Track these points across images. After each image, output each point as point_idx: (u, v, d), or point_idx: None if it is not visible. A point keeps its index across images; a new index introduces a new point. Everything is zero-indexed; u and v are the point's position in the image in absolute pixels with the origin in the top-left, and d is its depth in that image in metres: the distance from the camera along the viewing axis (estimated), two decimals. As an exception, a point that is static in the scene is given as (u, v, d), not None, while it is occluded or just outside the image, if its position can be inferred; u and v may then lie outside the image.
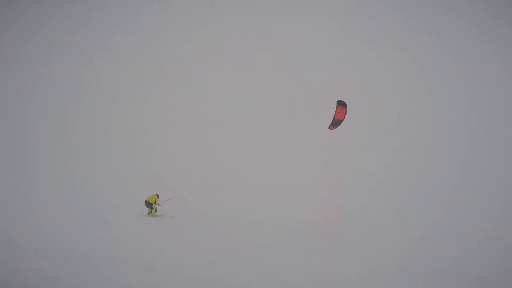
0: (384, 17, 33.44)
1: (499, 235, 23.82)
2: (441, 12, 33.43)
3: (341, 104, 25.33)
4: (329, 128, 25.67)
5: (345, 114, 25.41)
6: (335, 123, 25.55)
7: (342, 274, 19.23)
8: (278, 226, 24.38)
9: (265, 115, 31.96)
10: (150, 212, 25.75)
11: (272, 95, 32.26)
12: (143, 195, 25.82)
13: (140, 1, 34.78)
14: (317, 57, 33.21)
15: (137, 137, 31.21)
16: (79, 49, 33.37)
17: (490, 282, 19.18)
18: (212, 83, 32.81)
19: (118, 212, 24.86)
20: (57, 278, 16.85)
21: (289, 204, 26.94)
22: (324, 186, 28.32)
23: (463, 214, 25.98)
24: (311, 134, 30.89)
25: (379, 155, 30.06)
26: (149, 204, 25.64)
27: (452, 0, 33.67)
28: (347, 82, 32.32)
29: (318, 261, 20.30)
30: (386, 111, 30.65)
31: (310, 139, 30.82)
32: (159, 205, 25.79)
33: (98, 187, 27.49)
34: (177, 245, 21.42)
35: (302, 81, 32.51)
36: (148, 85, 32.92)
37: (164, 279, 17.95)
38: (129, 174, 28.93)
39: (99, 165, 29.37)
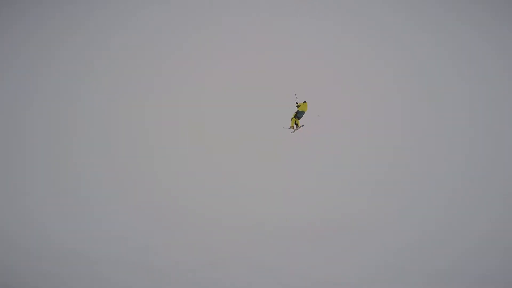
0: (384, 17, 33.42)
1: (499, 235, 23.81)
2: (441, 12, 33.41)
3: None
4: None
5: None
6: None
7: (342, 274, 19.21)
8: (278, 226, 24.35)
9: (265, 115, 31.94)
10: (295, 124, 27.11)
11: (272, 95, 32.24)
12: (143, 194, 25.81)
13: (140, 1, 34.76)
14: (317, 57, 33.19)
15: (137, 137, 31.18)
16: (79, 49, 33.33)
17: (490, 282, 19.17)
18: (212, 83, 32.79)
19: (118, 212, 24.85)
20: (57, 278, 16.85)
21: (289, 204, 26.92)
22: (324, 186, 28.31)
23: (463, 214, 25.97)
24: (311, 134, 30.88)
25: (379, 155, 30.04)
26: (302, 114, 27.44)
27: (452, 0, 33.66)
28: (347, 82, 32.31)
29: (317, 261, 20.29)
30: (385, 110, 30.64)
31: (310, 139, 30.81)
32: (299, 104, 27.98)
33: (98, 187, 27.47)
34: (177, 245, 21.39)
35: (302, 81, 32.48)
36: (148, 85, 32.88)
37: (164, 279, 17.94)
38: (129, 174, 28.91)
39: (99, 165, 29.35)
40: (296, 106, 28.96)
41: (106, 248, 20.07)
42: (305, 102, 29.16)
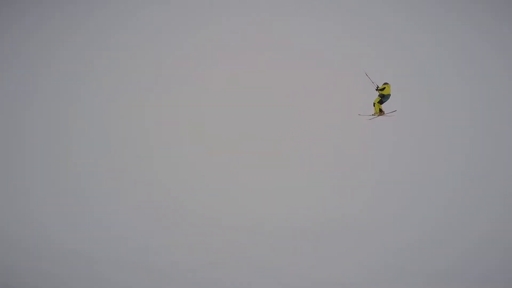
0: (384, 17, 33.42)
1: (499, 235, 23.80)
2: (441, 12, 33.41)
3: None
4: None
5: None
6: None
7: (342, 274, 19.21)
8: (278, 226, 24.35)
9: (265, 115, 31.94)
10: (379, 111, 25.53)
11: (272, 95, 32.25)
12: (143, 194, 25.81)
13: (140, 1, 34.76)
14: (317, 57, 33.19)
15: (137, 137, 31.18)
16: (79, 49, 33.33)
17: (490, 282, 19.17)
18: (212, 83, 32.79)
19: (118, 212, 24.85)
20: (57, 278, 16.84)
21: (289, 204, 26.92)
22: (324, 186, 28.31)
23: (463, 214, 25.97)
24: (311, 134, 30.87)
25: (379, 155, 30.04)
26: (388, 98, 25.77)
27: (452, 0, 33.65)
28: (347, 82, 32.32)
29: (317, 261, 20.29)
30: (385, 110, 30.63)
31: (311, 139, 30.80)
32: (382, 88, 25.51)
33: (98, 187, 27.47)
34: (177, 245, 21.39)
35: (302, 81, 32.49)
36: (148, 85, 32.88)
37: (164, 279, 17.94)
38: (129, 174, 28.91)
39: (99, 165, 29.35)
40: (378, 90, 26.83)
41: (106, 248, 20.08)
42: (387, 83, 27.13)
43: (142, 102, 32.33)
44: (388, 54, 32.67)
